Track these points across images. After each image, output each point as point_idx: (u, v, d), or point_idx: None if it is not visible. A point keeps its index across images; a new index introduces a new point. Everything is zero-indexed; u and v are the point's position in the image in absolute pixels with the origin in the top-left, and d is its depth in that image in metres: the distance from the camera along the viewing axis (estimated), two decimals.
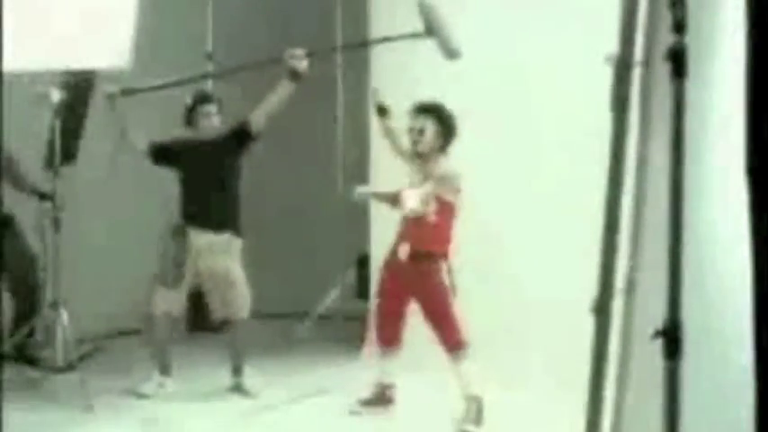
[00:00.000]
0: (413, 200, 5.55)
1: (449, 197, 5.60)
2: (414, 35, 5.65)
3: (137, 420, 5.81)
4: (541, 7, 6.38)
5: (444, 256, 5.64)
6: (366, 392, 5.91)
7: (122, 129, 6.23)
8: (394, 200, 5.72)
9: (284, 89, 6.01)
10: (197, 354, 6.94)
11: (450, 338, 5.60)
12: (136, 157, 6.36)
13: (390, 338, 5.84)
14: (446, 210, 5.62)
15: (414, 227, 5.65)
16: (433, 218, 5.58)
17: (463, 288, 5.68)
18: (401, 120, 5.86)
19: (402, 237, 5.72)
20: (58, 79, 6.28)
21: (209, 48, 8.04)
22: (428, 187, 5.57)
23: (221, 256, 6.16)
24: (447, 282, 5.62)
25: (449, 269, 5.63)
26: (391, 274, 5.79)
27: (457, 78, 6.21)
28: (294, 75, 5.92)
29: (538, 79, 6.35)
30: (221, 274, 6.17)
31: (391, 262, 5.78)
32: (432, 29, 5.58)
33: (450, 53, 5.60)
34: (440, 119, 5.67)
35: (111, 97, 6.15)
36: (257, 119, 6.15)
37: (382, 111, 6.06)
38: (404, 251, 5.65)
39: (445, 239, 5.67)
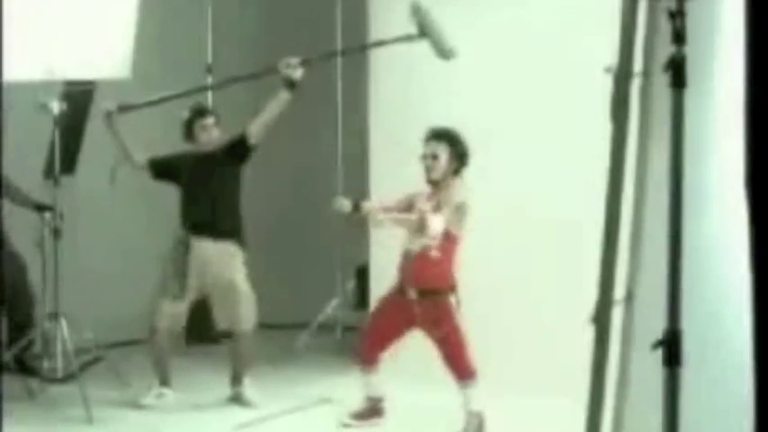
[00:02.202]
0: (438, 223, 5.53)
1: (455, 230, 5.61)
2: (408, 37, 5.68)
3: (137, 431, 5.80)
4: (541, 18, 6.39)
5: (451, 288, 5.65)
6: (357, 406, 5.93)
7: (121, 146, 6.22)
8: (419, 226, 5.60)
9: (280, 99, 6.01)
10: (196, 365, 6.93)
11: (461, 369, 5.60)
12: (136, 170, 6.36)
13: (371, 360, 5.86)
14: (450, 242, 5.62)
15: (418, 265, 5.63)
16: (436, 254, 5.59)
17: (464, 299, 5.68)
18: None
19: (407, 277, 5.69)
20: (58, 90, 6.29)
21: (209, 60, 8.05)
22: (447, 213, 5.56)
23: (225, 268, 6.17)
24: (456, 313, 5.62)
25: (457, 300, 5.64)
26: (395, 308, 5.75)
27: (458, 90, 6.23)
28: (290, 84, 5.93)
29: (538, 90, 6.35)
30: (226, 286, 6.17)
31: (396, 296, 5.76)
32: (425, 30, 5.62)
33: (445, 54, 5.65)
34: (453, 144, 5.67)
35: (109, 114, 6.16)
36: (255, 130, 6.15)
37: (356, 207, 5.99)
38: (412, 293, 5.65)
39: (450, 273, 5.66)
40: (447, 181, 5.66)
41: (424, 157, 5.68)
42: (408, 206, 5.76)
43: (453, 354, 5.60)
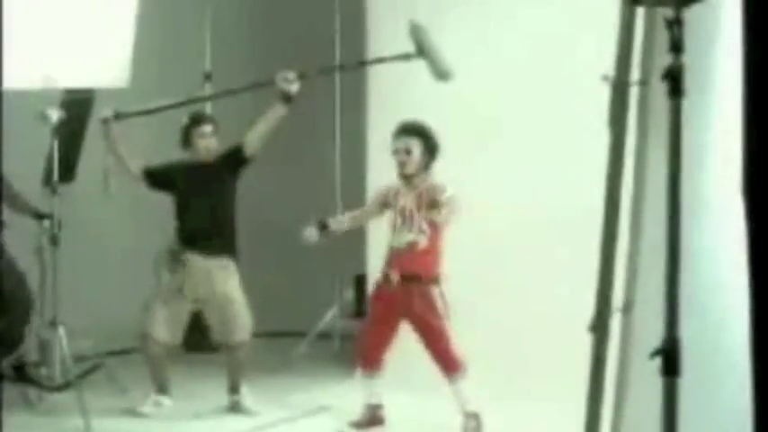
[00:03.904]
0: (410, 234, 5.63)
1: (438, 219, 5.63)
2: (406, 56, 5.70)
3: None
4: (539, 27, 6.41)
5: (435, 279, 5.68)
6: (356, 414, 5.93)
7: (117, 154, 6.22)
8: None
9: (276, 112, 6.00)
10: (195, 373, 6.92)
11: (447, 361, 5.63)
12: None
13: (375, 362, 5.86)
14: (436, 232, 5.66)
15: (403, 253, 5.69)
16: (424, 243, 5.62)
17: (462, 303, 5.70)
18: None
19: (391, 263, 5.75)
20: (56, 98, 6.29)
21: (208, 67, 8.06)
22: (443, 208, 5.59)
23: (220, 281, 6.17)
24: (440, 304, 5.64)
25: (441, 292, 5.66)
26: (382, 301, 5.82)
27: (455, 96, 6.23)
28: (286, 97, 5.93)
29: (535, 97, 6.36)
30: (221, 299, 6.17)
31: (381, 288, 5.81)
32: (423, 50, 5.64)
33: (441, 75, 5.67)
34: (424, 137, 5.71)
35: (105, 121, 6.16)
36: (251, 142, 6.14)
37: (324, 227, 6.01)
38: (395, 278, 5.68)
39: (435, 262, 5.71)
40: (420, 176, 5.69)
41: (396, 151, 5.71)
42: (384, 202, 5.81)
43: (438, 346, 5.63)
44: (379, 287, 5.86)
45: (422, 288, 5.66)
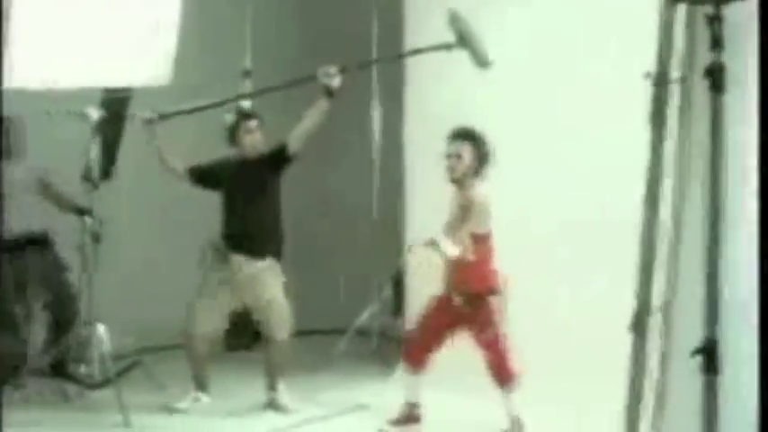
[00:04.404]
0: (451, 249, 5.57)
1: (482, 230, 5.63)
2: (445, 46, 5.69)
3: None
4: (580, 25, 6.36)
5: (491, 290, 5.67)
6: (399, 410, 5.92)
7: (160, 153, 6.25)
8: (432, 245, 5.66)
9: (319, 107, 6.01)
10: (233, 371, 6.95)
11: (501, 373, 5.63)
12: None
13: (421, 362, 5.86)
14: (482, 242, 5.65)
15: (456, 271, 5.68)
16: (471, 257, 5.61)
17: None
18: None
19: (450, 282, 5.75)
20: (97, 96, 6.33)
21: (248, 65, 8.08)
22: (463, 231, 5.58)
23: (263, 285, 6.20)
24: (497, 317, 5.64)
25: (498, 301, 5.66)
26: (442, 310, 5.80)
27: (493, 93, 6.21)
28: (329, 92, 5.93)
29: (577, 97, 6.32)
30: (262, 299, 6.19)
31: (443, 299, 5.80)
32: (463, 39, 5.62)
33: (482, 63, 5.66)
34: (476, 143, 5.70)
35: (149, 122, 6.19)
36: (294, 140, 6.15)
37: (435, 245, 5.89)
38: (457, 298, 5.70)
39: (488, 274, 5.70)
40: (469, 180, 5.69)
41: (448, 155, 5.70)
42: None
43: (496, 360, 5.63)
44: (437, 300, 5.84)
45: (481, 303, 5.65)
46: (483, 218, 5.63)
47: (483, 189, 5.69)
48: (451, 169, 5.70)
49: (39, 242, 6.52)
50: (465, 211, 5.64)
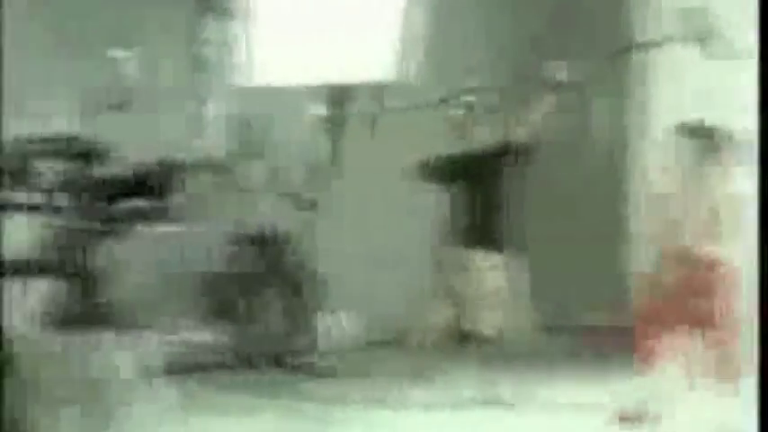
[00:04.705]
0: None
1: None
2: (680, 39, 5.58)
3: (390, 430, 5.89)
4: None
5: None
6: (628, 408, 5.81)
7: (385, 149, 6.33)
8: None
9: (546, 102, 5.98)
10: (452, 364, 6.94)
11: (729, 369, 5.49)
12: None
13: (654, 356, 5.74)
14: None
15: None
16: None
17: None
18: None
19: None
20: (322, 93, 6.46)
21: (471, 62, 8.07)
22: None
23: (487, 274, 6.21)
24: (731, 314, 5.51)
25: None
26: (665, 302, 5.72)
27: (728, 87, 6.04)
28: (555, 87, 5.89)
29: None
30: (489, 294, 6.20)
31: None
32: (699, 33, 5.49)
33: (725, 55, 5.51)
34: (705, 138, 5.55)
35: (373, 118, 6.28)
36: (522, 135, 6.15)
37: None
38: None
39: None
40: None
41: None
42: None
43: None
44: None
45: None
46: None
47: None
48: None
49: (277, 236, 6.70)
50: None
